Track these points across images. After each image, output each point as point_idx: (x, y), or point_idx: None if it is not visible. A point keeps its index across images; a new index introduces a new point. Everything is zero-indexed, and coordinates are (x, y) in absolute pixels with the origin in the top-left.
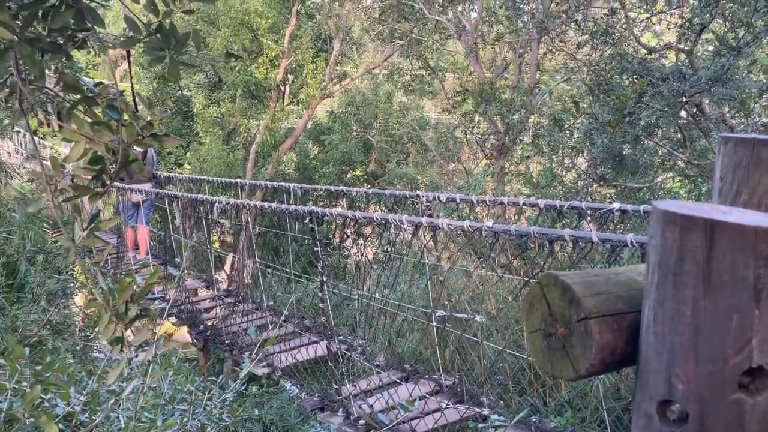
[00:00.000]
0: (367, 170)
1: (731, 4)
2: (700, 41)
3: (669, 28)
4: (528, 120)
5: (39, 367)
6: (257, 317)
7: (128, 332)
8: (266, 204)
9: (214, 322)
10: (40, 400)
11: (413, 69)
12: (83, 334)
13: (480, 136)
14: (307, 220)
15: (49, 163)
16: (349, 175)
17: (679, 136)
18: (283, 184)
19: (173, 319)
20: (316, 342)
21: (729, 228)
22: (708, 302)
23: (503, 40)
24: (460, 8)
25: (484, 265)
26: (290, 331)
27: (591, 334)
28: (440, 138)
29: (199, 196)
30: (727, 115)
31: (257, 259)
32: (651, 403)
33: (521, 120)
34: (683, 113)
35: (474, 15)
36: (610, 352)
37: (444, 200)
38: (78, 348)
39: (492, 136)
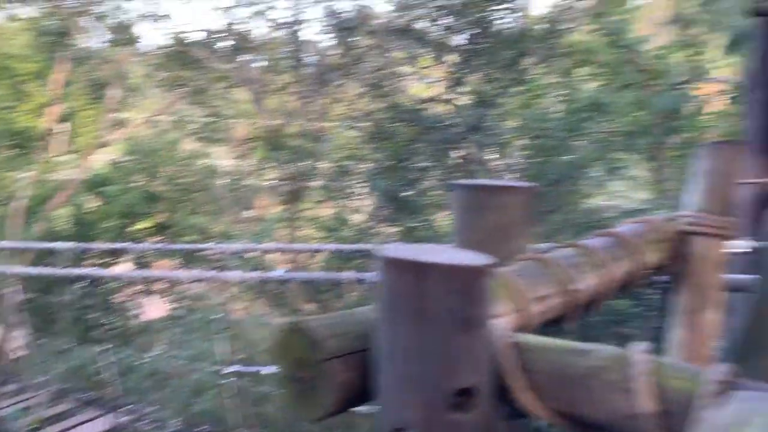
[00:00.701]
0: (156, 222)
1: (483, 62)
2: (461, 93)
3: (436, 81)
4: (316, 166)
5: None
6: (29, 396)
7: None
8: (32, 270)
9: None
10: None
11: (200, 116)
12: None
13: (272, 183)
14: (85, 283)
15: None
16: (135, 228)
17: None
18: (53, 245)
19: None
20: (99, 416)
21: (433, 268)
22: (423, 335)
23: (288, 90)
24: (245, 57)
25: (278, 312)
26: (69, 407)
27: (333, 374)
28: (233, 186)
29: None
30: (488, 158)
31: (27, 330)
32: (388, 431)
33: (310, 166)
34: (453, 156)
35: (259, 64)
36: (353, 389)
37: (236, 250)
38: None
39: (283, 183)
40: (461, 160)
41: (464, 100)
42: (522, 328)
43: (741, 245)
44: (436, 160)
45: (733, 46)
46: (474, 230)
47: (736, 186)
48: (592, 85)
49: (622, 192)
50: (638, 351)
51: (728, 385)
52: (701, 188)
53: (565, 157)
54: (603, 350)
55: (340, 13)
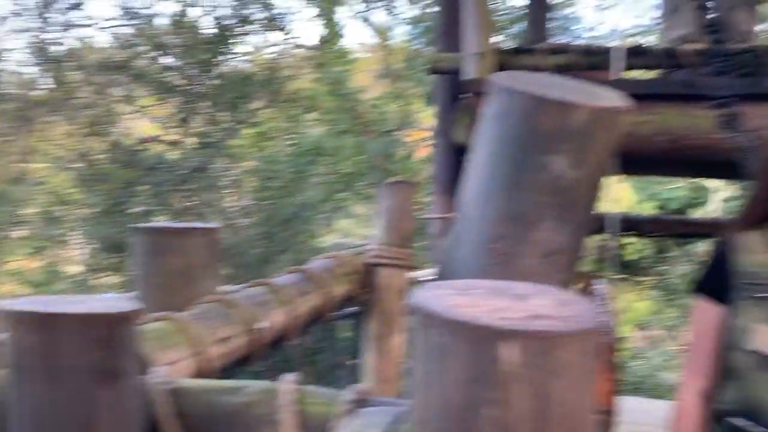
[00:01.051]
0: None
1: (208, 103)
2: (187, 134)
3: (160, 121)
4: (19, 213)
5: None
6: None
7: None
8: None
9: None
10: None
11: None
12: None
13: None
14: None
15: None
16: None
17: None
18: None
19: None
20: None
21: (64, 319)
22: (56, 392)
23: None
24: None
25: None
26: None
27: None
28: None
29: None
30: (220, 200)
31: None
32: None
33: (10, 213)
34: (181, 199)
35: None
36: None
37: None
38: None
39: None
40: (189, 203)
41: (190, 141)
42: (201, 373)
43: (424, 273)
44: (162, 203)
45: (429, 99)
46: (156, 274)
47: (412, 221)
48: (318, 130)
49: (350, 230)
50: (285, 382)
51: (358, 404)
52: (383, 224)
53: (294, 198)
54: (253, 385)
55: (48, 43)
